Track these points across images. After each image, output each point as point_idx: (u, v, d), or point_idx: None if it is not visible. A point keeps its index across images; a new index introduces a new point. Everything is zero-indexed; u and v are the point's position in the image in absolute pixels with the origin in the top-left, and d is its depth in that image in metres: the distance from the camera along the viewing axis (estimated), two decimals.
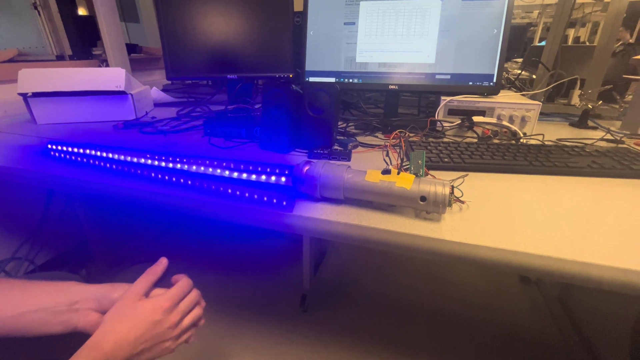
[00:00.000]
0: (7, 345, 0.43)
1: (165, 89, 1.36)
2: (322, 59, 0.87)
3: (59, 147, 0.66)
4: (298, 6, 0.98)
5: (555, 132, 0.81)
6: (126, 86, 0.87)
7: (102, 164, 0.60)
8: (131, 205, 1.40)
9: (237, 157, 0.59)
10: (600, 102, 0.97)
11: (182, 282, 0.48)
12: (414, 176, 0.41)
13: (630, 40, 3.23)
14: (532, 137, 0.72)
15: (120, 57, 1.23)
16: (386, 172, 0.42)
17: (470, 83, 0.79)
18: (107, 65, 1.33)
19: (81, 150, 0.64)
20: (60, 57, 1.29)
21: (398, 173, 0.41)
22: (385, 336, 1.11)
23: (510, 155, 0.59)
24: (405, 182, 0.40)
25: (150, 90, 1.07)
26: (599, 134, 0.80)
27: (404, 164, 0.54)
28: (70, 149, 0.65)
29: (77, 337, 0.44)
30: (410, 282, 1.35)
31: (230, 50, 1.04)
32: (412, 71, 0.82)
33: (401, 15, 0.80)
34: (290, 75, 1.07)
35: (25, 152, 0.69)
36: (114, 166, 0.60)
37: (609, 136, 0.74)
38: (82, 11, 1.42)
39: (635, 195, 0.49)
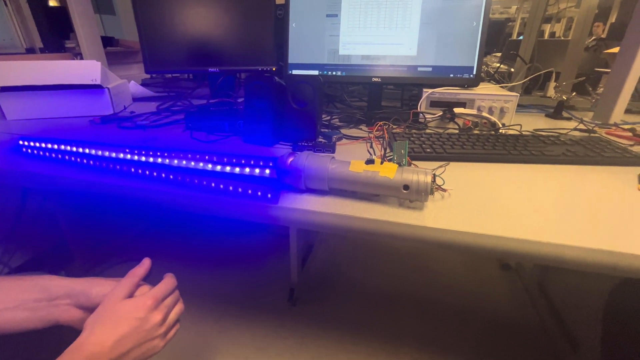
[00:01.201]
0: None
1: (144, 83, 1.33)
2: (305, 51, 0.86)
3: (32, 144, 0.63)
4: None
5: (532, 123, 0.84)
6: (102, 80, 0.84)
7: (79, 160, 0.58)
8: (112, 201, 1.36)
9: (219, 150, 0.58)
10: (574, 94, 1.01)
11: (166, 280, 0.47)
12: (397, 165, 0.41)
13: (602, 35, 3.36)
14: (510, 127, 0.74)
15: (96, 50, 1.19)
16: (370, 162, 0.42)
17: (451, 75, 0.81)
18: (82, 59, 1.28)
19: (56, 146, 0.62)
20: (30, 50, 1.23)
21: (381, 163, 0.42)
22: (372, 326, 1.13)
23: (489, 145, 0.61)
24: (388, 171, 0.41)
25: (129, 84, 1.04)
26: (572, 124, 0.83)
27: (387, 154, 0.54)
28: (44, 145, 0.62)
29: (57, 333, 0.44)
30: (395, 273, 1.38)
31: (212, 43, 1.02)
32: (395, 63, 0.82)
33: (383, 7, 0.80)
34: (274, 68, 1.06)
35: None
36: (91, 162, 0.58)
37: (582, 126, 0.77)
38: (52, 2, 1.36)
39: (605, 181, 0.51)
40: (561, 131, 0.73)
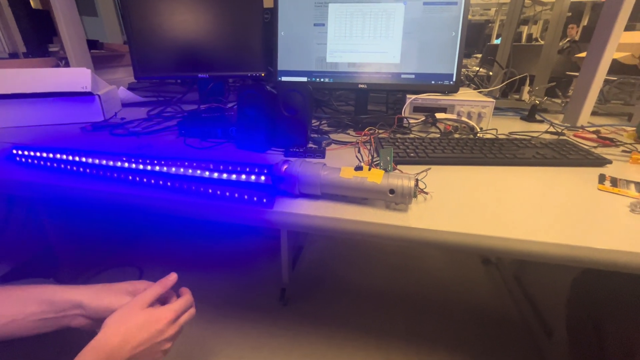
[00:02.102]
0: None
1: (131, 88, 1.32)
2: (293, 58, 0.89)
3: (26, 152, 0.64)
4: (268, 2, 0.99)
5: (508, 126, 0.90)
6: (92, 87, 0.85)
7: (76, 168, 0.59)
8: (106, 209, 1.36)
9: (214, 158, 0.61)
10: (546, 97, 1.08)
11: (187, 297, 0.50)
12: (384, 171, 0.45)
13: (576, 38, 3.51)
14: (487, 131, 0.79)
15: (82, 55, 1.18)
16: (358, 168, 0.46)
17: (433, 82, 0.85)
18: (67, 64, 1.27)
19: (51, 155, 0.63)
20: (13, 55, 1.21)
21: (369, 169, 0.45)
22: (362, 323, 1.17)
23: (468, 149, 0.66)
24: (375, 177, 0.44)
25: (118, 90, 1.04)
26: (545, 127, 0.89)
27: (374, 160, 0.58)
28: (38, 154, 0.63)
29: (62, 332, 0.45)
30: (382, 271, 1.43)
31: (201, 49, 1.03)
32: (380, 71, 0.87)
33: (368, 17, 0.84)
34: (262, 74, 1.09)
35: None
36: (88, 170, 0.59)
37: (552, 129, 0.84)
38: (35, 5, 1.34)
39: (570, 181, 0.57)
40: (533, 134, 0.79)
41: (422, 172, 0.49)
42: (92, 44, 1.52)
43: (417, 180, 0.44)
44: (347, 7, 0.84)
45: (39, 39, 1.30)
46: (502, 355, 1.05)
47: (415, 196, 0.44)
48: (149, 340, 0.43)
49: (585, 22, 3.78)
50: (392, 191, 0.43)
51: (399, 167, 0.56)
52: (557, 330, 0.95)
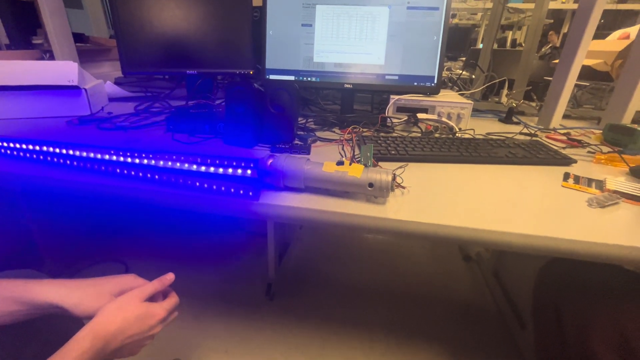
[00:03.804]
0: None
1: (118, 82, 1.31)
2: (281, 57, 0.91)
3: (12, 145, 0.64)
4: (257, 1, 1.01)
5: (486, 127, 0.94)
6: (79, 80, 0.85)
7: (66, 161, 0.60)
8: (93, 202, 1.35)
9: (203, 152, 0.62)
10: (522, 101, 1.13)
11: (176, 299, 0.52)
12: (364, 166, 0.48)
13: (557, 44, 3.64)
14: (465, 132, 0.83)
15: (67, 48, 1.17)
16: (340, 163, 0.48)
17: (415, 83, 0.89)
18: (51, 57, 1.25)
19: (37, 148, 0.63)
20: None
21: (350, 164, 0.48)
22: (346, 317, 1.20)
23: (446, 148, 0.69)
24: (355, 171, 0.47)
25: (105, 85, 1.04)
26: (520, 128, 0.94)
27: (355, 156, 0.61)
28: (25, 146, 0.63)
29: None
30: (367, 267, 1.46)
31: (190, 45, 1.04)
32: (365, 71, 0.90)
33: (354, 19, 0.87)
34: (251, 72, 1.11)
35: None
36: (75, 163, 0.60)
37: (525, 130, 0.88)
38: None
39: (538, 179, 0.61)
40: (508, 135, 0.83)
41: (399, 167, 0.52)
42: (78, 37, 1.50)
43: (394, 175, 0.47)
44: (334, 8, 0.86)
45: (22, 31, 1.27)
46: (480, 345, 1.10)
47: (392, 190, 0.47)
48: (140, 333, 0.45)
49: (565, 29, 3.91)
50: (370, 185, 0.46)
51: (380, 163, 0.59)
52: (530, 322, 1.01)
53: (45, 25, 1.11)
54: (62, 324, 0.57)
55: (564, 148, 0.78)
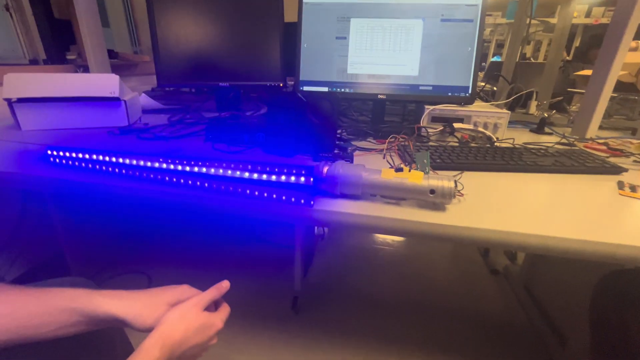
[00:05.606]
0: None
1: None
2: (315, 69, 0.93)
3: (60, 153, 0.65)
4: (290, 17, 1.03)
5: (519, 137, 0.94)
6: (120, 92, 0.87)
7: (110, 169, 0.61)
8: (138, 209, 1.36)
9: (251, 160, 0.63)
10: (554, 111, 1.13)
11: (228, 308, 0.52)
12: (423, 173, 0.47)
13: (568, 58, 3.66)
14: (503, 141, 0.83)
15: (102, 63, 1.21)
16: (399, 170, 0.48)
17: (449, 94, 0.89)
18: (85, 71, 1.30)
19: (87, 156, 0.64)
20: (33, 62, 1.24)
21: (409, 171, 0.48)
22: (374, 331, 1.17)
23: (490, 156, 0.68)
24: (416, 178, 0.47)
25: (140, 97, 1.06)
26: (554, 138, 0.93)
27: (407, 164, 0.61)
28: (73, 155, 0.64)
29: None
30: (392, 280, 1.43)
31: (222, 59, 1.07)
32: (398, 82, 0.90)
33: (388, 32, 0.88)
34: (280, 84, 1.12)
35: (22, 157, 0.67)
36: (124, 171, 0.60)
37: (564, 140, 0.87)
38: (57, 14, 1.37)
39: (592, 187, 0.60)
40: (546, 144, 0.82)
41: (458, 174, 0.51)
42: (108, 53, 1.56)
43: (455, 181, 0.47)
44: (368, 22, 0.88)
45: (58, 47, 1.32)
46: None
47: (454, 196, 0.46)
48: (201, 344, 0.44)
49: (577, 43, 3.93)
50: (432, 191, 0.46)
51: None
52: (571, 337, 0.96)
53: (84, 42, 1.15)
54: (107, 334, 0.56)
55: (607, 157, 0.77)
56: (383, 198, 0.50)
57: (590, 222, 0.47)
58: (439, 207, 0.48)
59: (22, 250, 1.13)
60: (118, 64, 1.60)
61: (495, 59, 4.12)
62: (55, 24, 1.30)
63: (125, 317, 0.41)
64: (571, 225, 0.46)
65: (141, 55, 1.97)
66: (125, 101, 0.89)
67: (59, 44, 1.31)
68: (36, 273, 1.21)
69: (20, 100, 0.82)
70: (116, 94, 0.86)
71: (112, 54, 1.60)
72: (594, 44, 2.18)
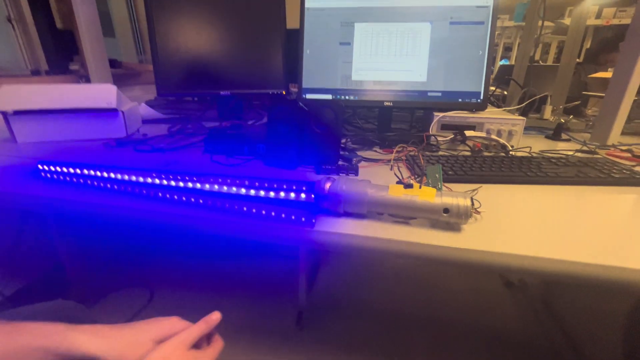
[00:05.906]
0: None
1: (148, 105, 1.33)
2: (318, 76, 0.89)
3: (52, 168, 0.62)
4: (292, 23, 1.00)
5: (535, 144, 0.88)
6: (117, 103, 0.85)
7: (102, 184, 0.58)
8: (132, 227, 1.34)
9: (246, 174, 0.59)
10: (571, 116, 1.07)
11: (221, 343, 0.48)
12: (435, 190, 0.43)
13: (579, 60, 3.56)
14: (519, 149, 0.78)
15: (103, 73, 1.19)
16: (408, 186, 0.43)
17: (460, 100, 0.85)
18: (87, 82, 1.28)
19: (78, 171, 0.61)
20: (35, 72, 1.23)
21: (420, 187, 0.43)
22: (380, 346, 1.11)
23: (506, 167, 0.63)
24: (427, 195, 0.42)
25: (139, 107, 1.04)
26: (571, 145, 0.87)
27: (417, 177, 0.56)
28: (65, 170, 0.62)
29: None
30: (399, 292, 1.37)
31: (223, 67, 1.04)
32: (406, 89, 0.86)
33: (394, 36, 0.84)
34: (283, 92, 1.09)
35: (10, 172, 0.64)
36: (115, 186, 0.57)
37: (584, 148, 0.82)
38: (60, 25, 1.37)
39: (618, 200, 0.54)
40: (566, 152, 0.77)
41: (474, 190, 0.46)
42: (111, 63, 1.55)
43: (472, 199, 0.42)
44: (373, 26, 0.84)
45: (60, 58, 1.32)
46: None
47: (470, 216, 0.41)
48: None
49: (588, 45, 3.85)
50: (446, 210, 0.41)
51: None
52: (593, 357, 0.90)
53: (85, 52, 1.14)
54: None
55: (634, 166, 0.71)
56: (391, 217, 0.45)
57: (623, 245, 0.42)
58: (453, 227, 0.44)
59: (21, 264, 1.11)
60: (121, 73, 1.60)
61: (503, 62, 4.06)
62: (58, 34, 1.30)
63: (105, 357, 0.37)
64: (602, 247, 0.40)
65: (145, 64, 1.97)
66: (123, 112, 0.87)
67: (61, 55, 1.30)
68: (36, 286, 1.18)
69: (16, 113, 0.80)
70: (113, 105, 0.83)
71: (115, 63, 1.60)
72: (605, 47, 2.11)
